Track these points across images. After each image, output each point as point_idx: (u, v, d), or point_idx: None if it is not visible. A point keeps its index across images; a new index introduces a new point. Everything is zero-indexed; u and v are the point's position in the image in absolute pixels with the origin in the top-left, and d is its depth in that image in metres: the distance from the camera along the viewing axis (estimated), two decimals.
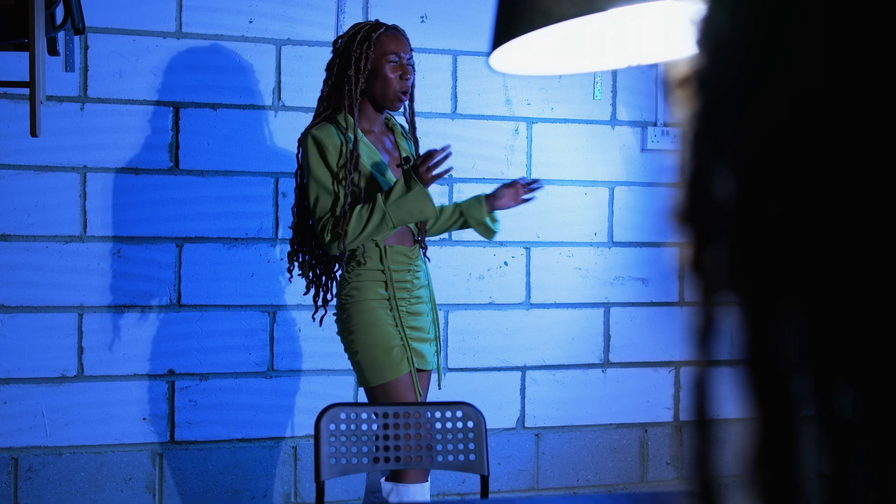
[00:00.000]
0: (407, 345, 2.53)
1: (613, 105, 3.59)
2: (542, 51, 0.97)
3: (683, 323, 3.67)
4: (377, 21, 2.64)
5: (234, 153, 3.21)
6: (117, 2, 3.10)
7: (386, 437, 2.20)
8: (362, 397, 3.33)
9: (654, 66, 3.60)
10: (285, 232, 3.24)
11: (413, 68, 2.62)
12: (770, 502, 0.32)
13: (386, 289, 2.54)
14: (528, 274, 3.50)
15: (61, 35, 2.75)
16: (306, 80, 3.27)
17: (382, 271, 2.55)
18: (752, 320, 0.33)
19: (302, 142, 2.57)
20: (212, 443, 3.20)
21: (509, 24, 0.84)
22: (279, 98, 3.25)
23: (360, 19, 3.32)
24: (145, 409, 3.14)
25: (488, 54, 0.92)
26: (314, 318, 2.75)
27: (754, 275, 0.33)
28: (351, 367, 2.66)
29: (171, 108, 3.16)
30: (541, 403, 3.51)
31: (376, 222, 2.46)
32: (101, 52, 3.10)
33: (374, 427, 2.20)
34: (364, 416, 2.19)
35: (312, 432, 3.21)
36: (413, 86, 2.64)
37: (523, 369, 3.50)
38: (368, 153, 2.58)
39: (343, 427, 2.17)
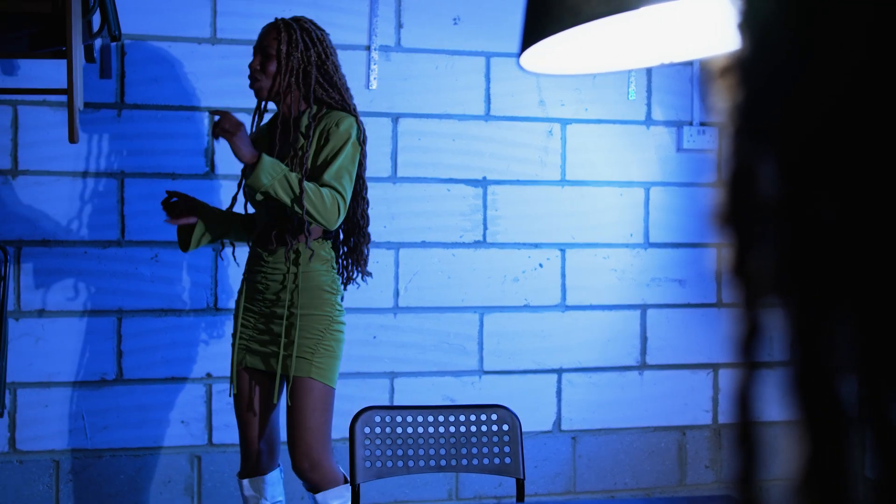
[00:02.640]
0: (236, 343, 2.58)
1: (648, 105, 3.56)
2: (572, 50, 0.96)
3: (722, 325, 3.63)
4: None
5: None
6: (153, 9, 3.14)
7: (419, 440, 2.19)
8: (398, 400, 3.33)
9: (689, 64, 3.57)
10: None
11: (255, 54, 2.59)
12: None
13: (241, 287, 2.62)
14: (563, 276, 3.48)
15: (98, 42, 2.78)
16: None
17: (245, 271, 2.64)
18: (800, 327, 0.32)
19: None
20: None
21: (539, 24, 0.83)
22: None
23: (393, 22, 3.32)
24: (183, 411, 3.17)
25: (519, 54, 0.91)
26: None
27: (803, 279, 0.31)
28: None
29: (207, 114, 3.18)
30: (577, 406, 3.49)
31: None
32: (137, 59, 3.14)
33: (409, 430, 2.19)
34: (399, 419, 2.19)
35: (347, 435, 3.22)
36: (259, 74, 2.57)
37: (559, 371, 3.48)
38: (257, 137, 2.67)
39: (378, 430, 2.17)
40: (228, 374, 3.20)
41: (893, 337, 0.29)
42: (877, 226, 0.29)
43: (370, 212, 2.72)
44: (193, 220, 2.61)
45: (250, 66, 2.59)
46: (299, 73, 2.54)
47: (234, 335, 2.61)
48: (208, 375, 3.18)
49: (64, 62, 2.26)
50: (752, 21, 0.32)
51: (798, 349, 0.32)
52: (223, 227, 2.69)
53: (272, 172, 2.38)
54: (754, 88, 0.33)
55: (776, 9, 0.32)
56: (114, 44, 2.99)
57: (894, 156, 0.29)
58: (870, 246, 0.29)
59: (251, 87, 2.59)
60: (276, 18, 2.62)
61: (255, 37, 3.23)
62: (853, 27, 0.29)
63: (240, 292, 2.61)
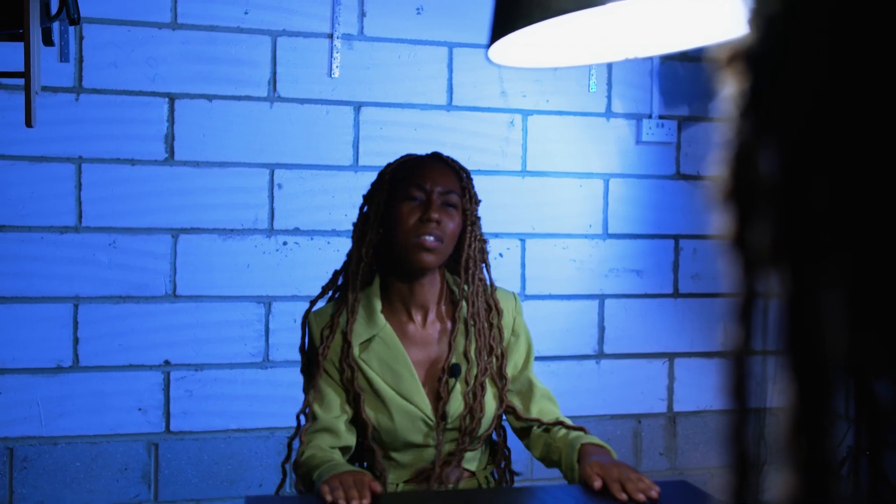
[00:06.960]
0: None
1: (609, 97, 3.59)
2: (540, 44, 0.98)
3: (678, 316, 3.69)
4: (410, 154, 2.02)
5: (229, 144, 3.21)
6: None
7: None
8: None
9: (650, 58, 3.61)
10: (280, 223, 3.25)
11: (455, 209, 1.90)
12: (803, 475, 0.33)
13: None
14: (522, 266, 3.51)
15: (56, 25, 2.74)
16: (301, 72, 3.27)
17: None
18: (792, 297, 0.34)
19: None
20: (207, 433, 3.20)
21: (508, 18, 0.85)
22: (275, 89, 3.25)
23: (356, 11, 3.32)
24: (141, 399, 3.15)
25: (487, 47, 0.92)
26: None
27: (797, 252, 0.34)
28: None
29: (167, 99, 3.15)
30: None
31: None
32: (97, 43, 3.10)
33: None
34: None
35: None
36: (476, 242, 1.95)
37: None
38: (378, 356, 1.88)
39: None
40: (187, 361, 3.18)
41: (879, 313, 0.32)
42: (865, 207, 0.32)
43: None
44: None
45: (430, 219, 1.83)
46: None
47: None
48: (166, 363, 3.16)
49: (21, 45, 2.22)
50: (761, 16, 0.35)
51: (790, 321, 0.34)
52: None
53: None
54: (759, 76, 0.35)
55: (783, 6, 0.34)
56: (72, 27, 2.94)
57: (882, 144, 0.31)
58: (857, 225, 0.32)
59: (424, 247, 1.84)
60: (438, 154, 2.02)
61: (216, 23, 3.22)
62: (855, 24, 0.32)
63: None
